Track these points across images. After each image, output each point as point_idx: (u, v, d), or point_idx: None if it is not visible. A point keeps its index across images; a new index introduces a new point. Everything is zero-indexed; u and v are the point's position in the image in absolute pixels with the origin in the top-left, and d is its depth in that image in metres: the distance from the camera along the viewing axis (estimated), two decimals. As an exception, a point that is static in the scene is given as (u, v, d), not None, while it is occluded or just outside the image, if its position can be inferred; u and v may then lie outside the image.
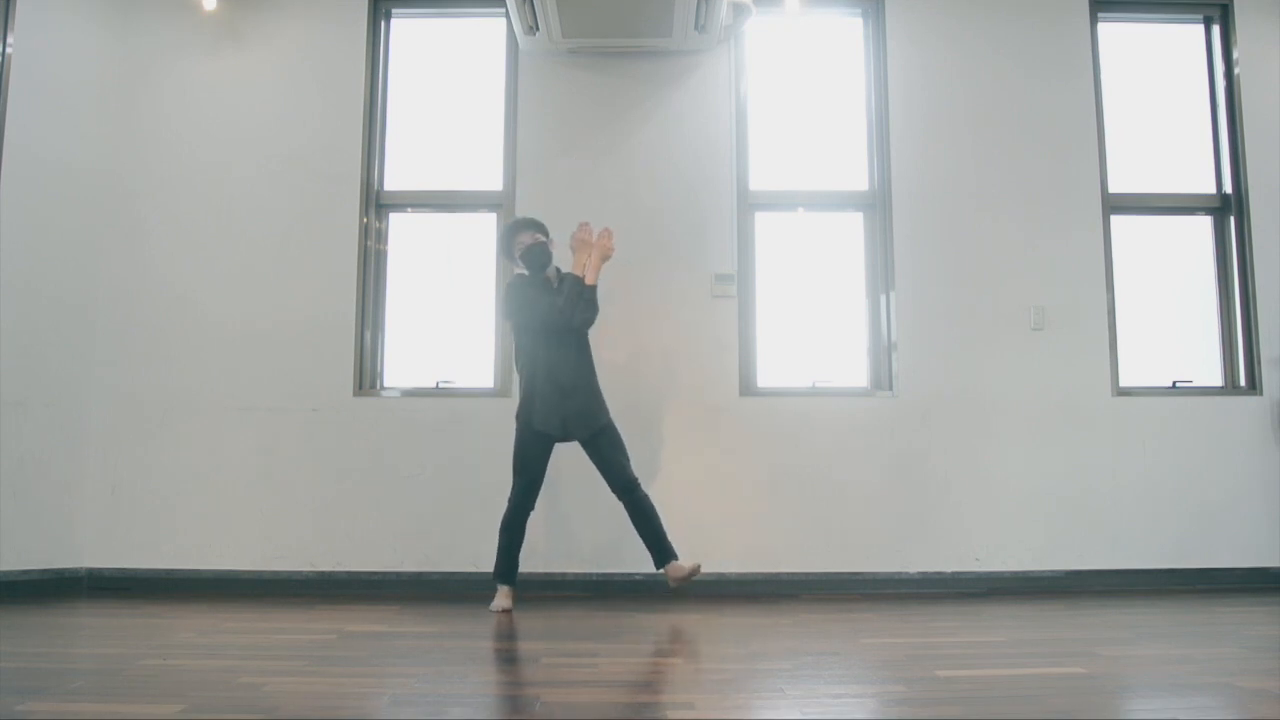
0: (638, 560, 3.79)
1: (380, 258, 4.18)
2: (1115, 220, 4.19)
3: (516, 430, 3.40)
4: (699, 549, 3.87)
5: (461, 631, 3.00)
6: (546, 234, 3.52)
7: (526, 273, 3.49)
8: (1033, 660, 2.50)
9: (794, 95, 4.34)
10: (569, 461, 3.57)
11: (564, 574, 3.83)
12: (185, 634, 2.90)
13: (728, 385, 3.98)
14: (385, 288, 4.18)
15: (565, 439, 3.41)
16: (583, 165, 4.09)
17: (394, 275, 4.19)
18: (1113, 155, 4.22)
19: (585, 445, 3.43)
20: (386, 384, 4.11)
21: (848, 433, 3.97)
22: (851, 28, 4.36)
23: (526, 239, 3.46)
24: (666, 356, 4.00)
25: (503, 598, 3.37)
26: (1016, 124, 4.16)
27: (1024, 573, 3.90)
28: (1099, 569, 3.91)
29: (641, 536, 3.40)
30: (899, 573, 3.90)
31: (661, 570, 3.41)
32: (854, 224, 4.24)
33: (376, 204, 4.18)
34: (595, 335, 3.99)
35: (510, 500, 3.37)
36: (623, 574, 3.83)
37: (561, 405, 3.36)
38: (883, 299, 4.14)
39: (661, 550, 3.39)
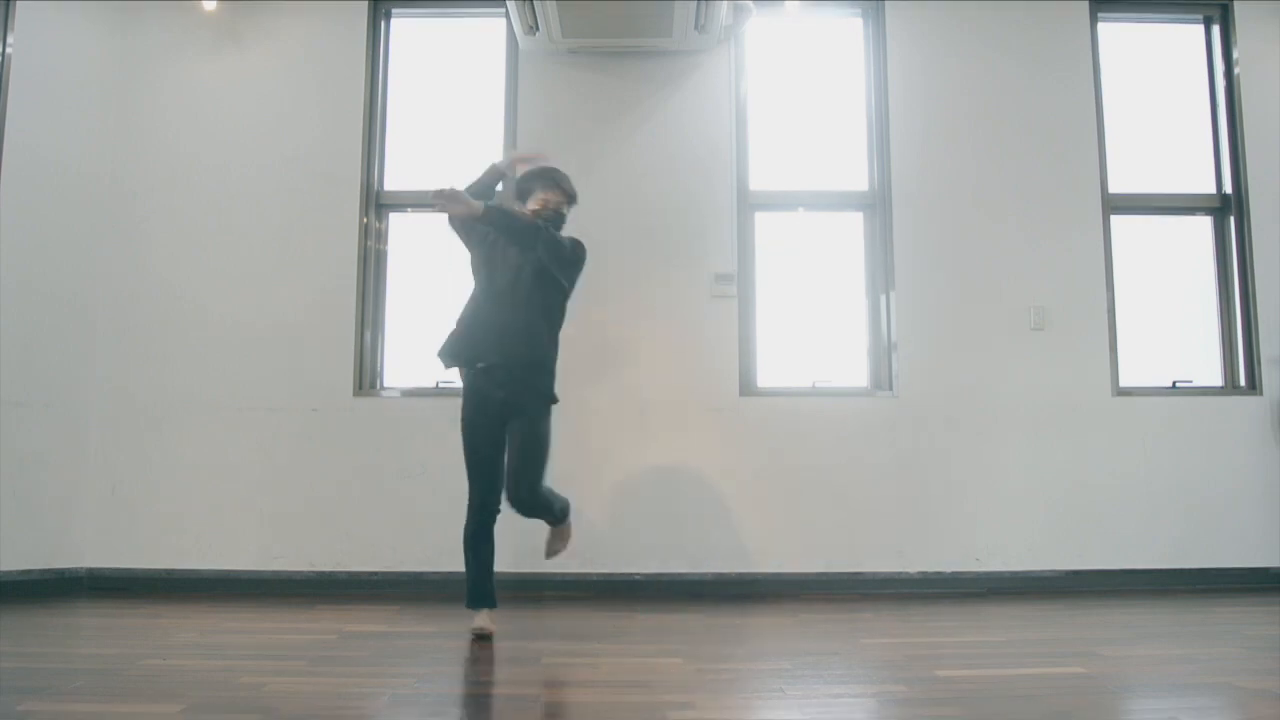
0: (638, 560, 3.80)
1: (380, 258, 4.17)
2: (1115, 220, 4.19)
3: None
4: (699, 549, 3.87)
5: (461, 631, 3.00)
6: (570, 199, 3.06)
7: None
8: (1033, 660, 2.50)
9: (794, 95, 4.34)
10: (571, 457, 3.57)
11: (564, 574, 3.83)
12: (185, 634, 2.90)
13: (728, 385, 3.98)
14: (385, 288, 4.18)
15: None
16: (583, 165, 4.08)
17: (394, 275, 4.19)
18: (1113, 155, 4.21)
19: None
20: (386, 384, 4.11)
21: (847, 433, 3.96)
22: (851, 28, 4.36)
23: (553, 199, 3.01)
24: (666, 356, 4.00)
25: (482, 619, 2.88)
26: (1016, 124, 4.16)
27: (1024, 573, 3.90)
28: (1099, 569, 3.91)
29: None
30: (899, 573, 3.89)
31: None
32: (854, 224, 4.24)
33: (376, 204, 4.18)
34: (594, 334, 4.01)
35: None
36: (623, 574, 3.82)
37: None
38: (883, 299, 4.14)
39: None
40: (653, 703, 2.09)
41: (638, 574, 3.79)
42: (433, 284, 4.19)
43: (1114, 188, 4.20)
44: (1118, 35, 4.36)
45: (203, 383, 3.97)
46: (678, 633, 3.01)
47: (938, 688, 2.19)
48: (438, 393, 4.02)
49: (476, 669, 2.47)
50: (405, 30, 4.34)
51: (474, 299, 2.94)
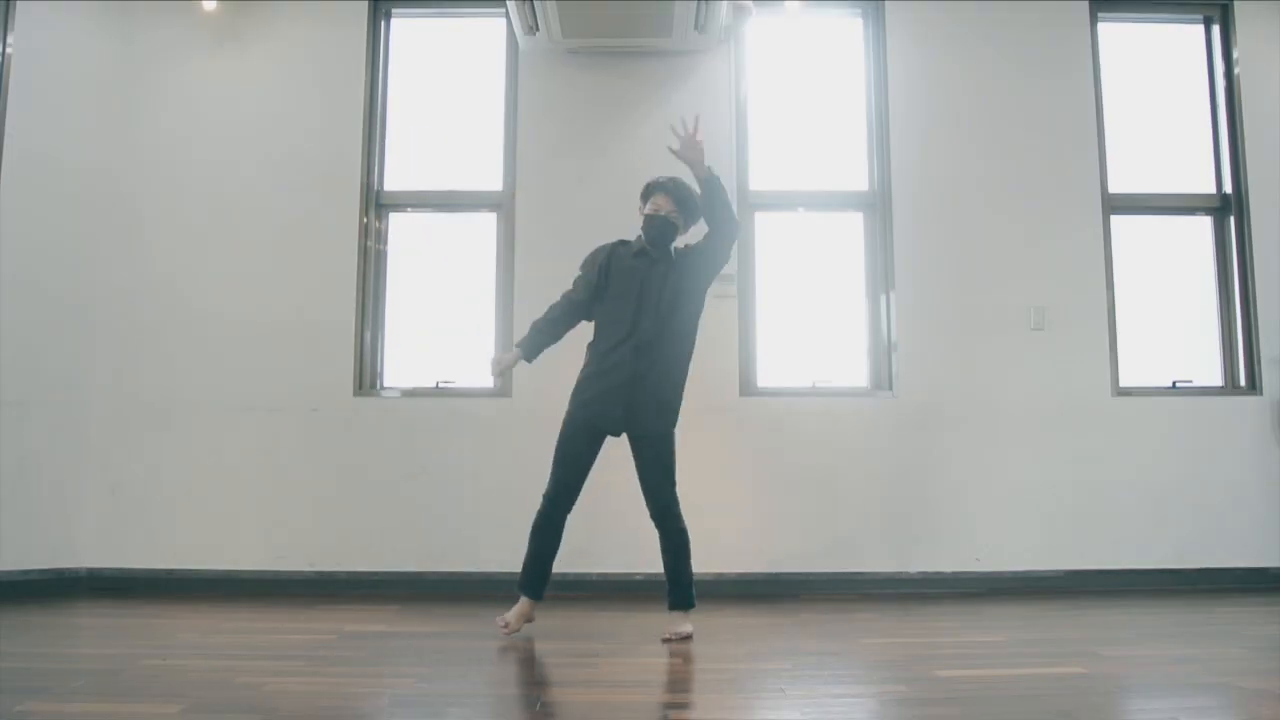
0: (638, 560, 3.79)
1: (380, 258, 4.17)
2: (1115, 220, 4.19)
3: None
4: (699, 549, 3.86)
5: (461, 631, 3.00)
6: (688, 210, 2.98)
7: (637, 237, 3.01)
8: (1033, 660, 2.50)
9: (794, 95, 4.34)
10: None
11: (564, 574, 3.81)
12: (185, 634, 2.90)
13: (728, 385, 3.98)
14: (385, 288, 4.18)
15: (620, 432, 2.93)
16: (583, 165, 4.09)
17: (394, 275, 4.19)
18: (1113, 155, 4.21)
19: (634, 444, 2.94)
20: (386, 384, 4.11)
21: (848, 433, 3.96)
22: (851, 28, 4.36)
23: (663, 203, 2.96)
24: (666, 356, 3.99)
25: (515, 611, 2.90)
26: (1016, 124, 4.16)
27: (1024, 573, 3.90)
28: (1099, 569, 3.91)
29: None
30: (899, 573, 3.89)
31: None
32: (854, 224, 4.24)
33: (376, 204, 4.18)
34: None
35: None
36: (623, 574, 3.82)
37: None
38: (883, 299, 4.14)
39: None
40: (653, 703, 2.09)
41: (638, 574, 3.78)
42: (433, 284, 4.20)
43: (1114, 188, 4.20)
44: (1118, 35, 4.36)
45: (203, 382, 3.96)
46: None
47: (938, 688, 2.19)
48: (438, 393, 4.02)
49: (476, 669, 2.46)
50: (405, 30, 4.34)
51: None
